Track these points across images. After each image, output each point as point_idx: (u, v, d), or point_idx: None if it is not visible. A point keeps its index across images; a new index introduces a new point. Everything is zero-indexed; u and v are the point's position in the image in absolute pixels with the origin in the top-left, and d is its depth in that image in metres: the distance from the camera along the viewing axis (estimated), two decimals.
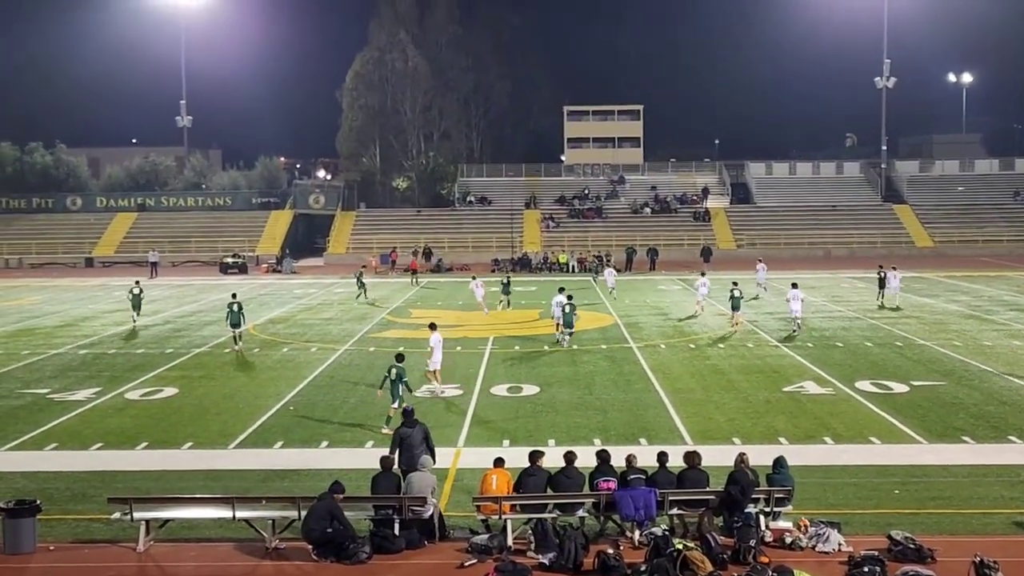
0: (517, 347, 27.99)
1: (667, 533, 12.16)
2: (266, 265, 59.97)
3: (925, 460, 15.84)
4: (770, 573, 11.11)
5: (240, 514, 12.53)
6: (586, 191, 73.37)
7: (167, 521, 12.73)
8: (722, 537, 12.07)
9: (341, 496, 12.30)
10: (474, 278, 40.79)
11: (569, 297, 28.79)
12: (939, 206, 70.11)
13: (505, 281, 39.06)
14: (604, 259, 51.99)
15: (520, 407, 20.05)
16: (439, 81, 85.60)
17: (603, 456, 13.21)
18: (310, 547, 12.04)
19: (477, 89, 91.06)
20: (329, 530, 11.93)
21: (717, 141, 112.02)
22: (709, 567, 11.25)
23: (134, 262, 62.41)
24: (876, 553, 11.53)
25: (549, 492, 12.66)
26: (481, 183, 77.21)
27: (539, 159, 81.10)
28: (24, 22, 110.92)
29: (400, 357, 18.90)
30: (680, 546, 11.53)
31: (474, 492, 13.41)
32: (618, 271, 48.96)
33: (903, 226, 67.09)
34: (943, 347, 26.69)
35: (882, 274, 37.63)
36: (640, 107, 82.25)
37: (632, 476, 12.68)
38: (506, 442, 17.31)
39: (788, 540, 12.22)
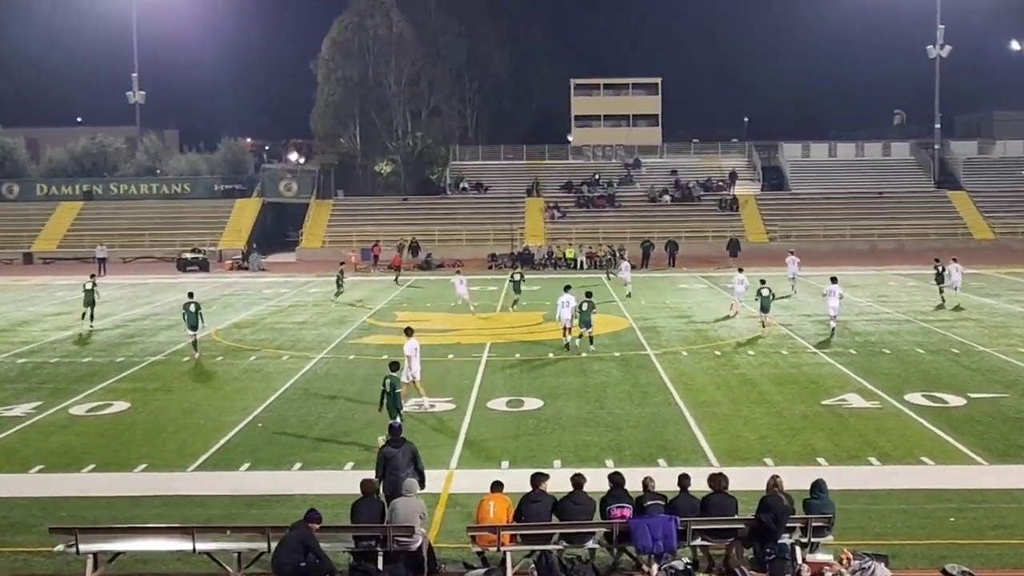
0: (518, 355, 28.02)
1: (689, 567, 12.16)
2: (230, 262, 60.03)
3: (985, 483, 15.87)
4: None
5: (201, 546, 12.54)
6: (596, 176, 73.46)
7: (118, 554, 12.73)
8: (753, 572, 12.08)
9: (317, 525, 12.29)
10: (458, 272, 40.83)
11: (588, 294, 29.01)
12: (1000, 192, 70.21)
13: (516, 278, 39.05)
14: (618, 253, 52.05)
15: (521, 423, 20.07)
16: (428, 50, 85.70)
17: (616, 479, 13.21)
18: None
19: (472, 59, 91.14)
20: (303, 564, 11.94)
21: (746, 119, 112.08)
22: None
23: (80, 258, 62.51)
24: None
25: (554, 520, 12.67)
26: (476, 167, 77.30)
27: (543, 140, 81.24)
28: None
29: (395, 366, 18.91)
30: None
31: (469, 520, 13.43)
32: (633, 267, 48.97)
33: (959, 215, 67.18)
34: (1005, 354, 26.72)
35: (939, 268, 37.61)
36: (658, 80, 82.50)
37: (649, 502, 12.68)
38: (505, 463, 17.35)
39: (828, 575, 12.23)
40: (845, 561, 12.36)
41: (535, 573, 12.22)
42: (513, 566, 12.37)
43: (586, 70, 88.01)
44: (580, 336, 28.48)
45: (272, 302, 41.77)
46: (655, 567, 12.30)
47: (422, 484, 13.74)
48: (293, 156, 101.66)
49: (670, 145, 79.71)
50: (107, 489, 16.25)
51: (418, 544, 12.50)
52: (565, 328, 28.76)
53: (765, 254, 58.18)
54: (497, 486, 13.12)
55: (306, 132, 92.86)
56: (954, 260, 38.54)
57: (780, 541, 12.32)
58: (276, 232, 74.01)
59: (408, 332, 22.02)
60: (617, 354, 27.81)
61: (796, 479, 14.09)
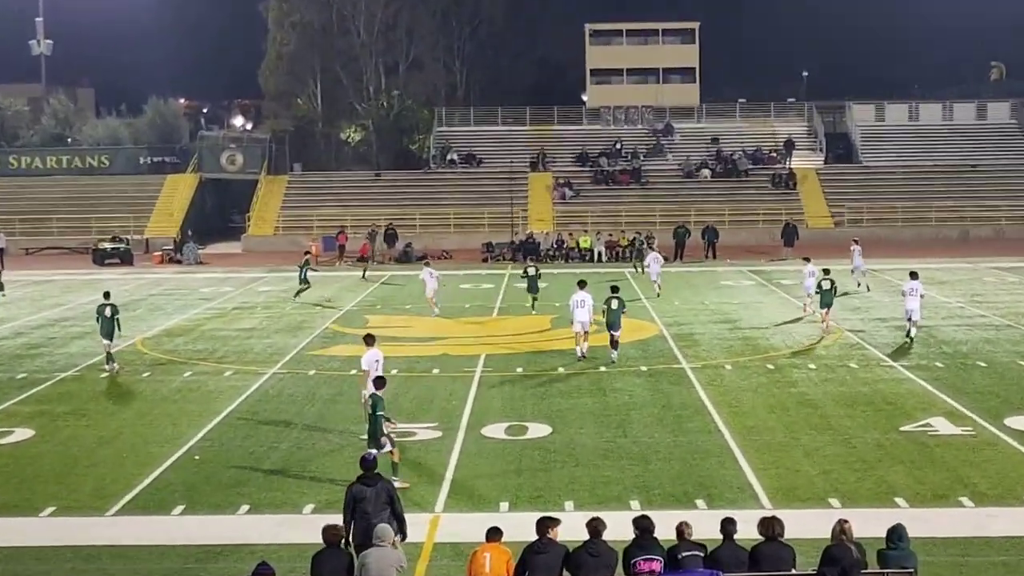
0: (519, 368, 28.04)
1: None
2: (160, 253, 60.04)
3: None
4: None
5: None
6: (618, 146, 73.47)
7: None
8: None
9: None
10: (427, 264, 40.91)
11: (615, 289, 29.17)
12: None
13: (531, 272, 39.10)
14: (646, 242, 52.03)
15: (524, 455, 20.08)
16: None
17: (643, 525, 13.19)
18: None
19: None
20: None
21: (806, 73, 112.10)
22: None
23: None
24: None
25: None
26: (467, 135, 77.29)
27: (550, 100, 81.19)
28: None
29: (379, 382, 18.88)
30: None
31: None
32: (665, 259, 48.94)
33: None
34: None
35: None
36: (695, 25, 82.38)
37: (685, 553, 12.67)
38: (504, 505, 17.36)
39: None
40: None
41: None
42: None
43: (605, 12, 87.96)
44: (614, 344, 28.51)
45: (212, 304, 41.77)
46: None
47: (401, 531, 13.73)
48: (238, 121, 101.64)
49: (710, 106, 79.63)
50: (5, 537, 16.24)
51: None
52: (579, 334, 28.82)
53: (830, 242, 58.09)
54: (494, 534, 13.09)
55: (254, 91, 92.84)
56: None
57: None
58: (217, 216, 73.94)
59: (368, 340, 22.03)
60: (644, 368, 27.78)
61: (869, 524, 14.10)
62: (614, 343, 28.49)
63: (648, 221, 62.68)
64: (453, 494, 17.94)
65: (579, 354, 28.83)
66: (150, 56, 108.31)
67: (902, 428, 21.45)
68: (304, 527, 16.02)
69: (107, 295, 29.24)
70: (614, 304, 28.47)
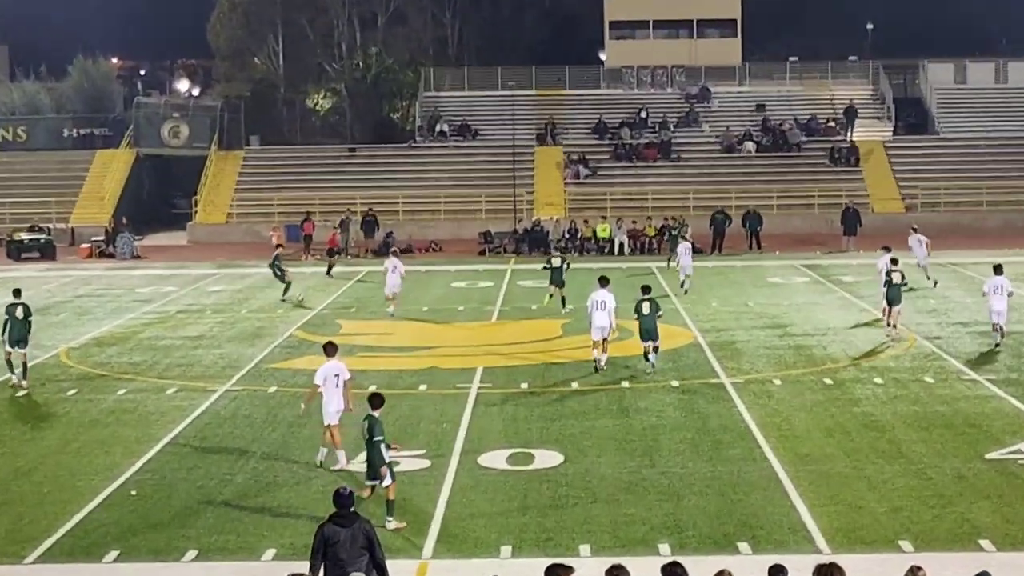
0: (524, 384, 28.06)
1: None
2: (88, 245, 60.12)
3: None
4: None
5: None
6: (643, 114, 73.47)
7: None
8: None
9: None
10: (394, 253, 41.17)
11: (646, 289, 29.26)
12: None
13: (555, 264, 39.00)
14: (679, 230, 51.76)
15: (530, 489, 20.08)
16: None
17: (675, 573, 13.19)
18: None
19: None
20: None
21: (870, 26, 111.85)
22: None
23: None
24: None
25: None
26: (460, 101, 77.33)
27: (561, 59, 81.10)
28: None
29: (374, 400, 18.84)
30: None
31: None
32: (698, 251, 48.89)
33: None
34: None
35: None
36: None
37: None
38: (506, 550, 17.36)
39: None
40: None
41: None
42: None
43: None
44: (647, 352, 28.77)
45: (152, 306, 41.81)
46: None
47: None
48: (182, 85, 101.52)
49: (755, 66, 79.56)
50: None
51: None
52: (598, 342, 28.87)
53: (900, 230, 57.98)
54: None
55: (202, 49, 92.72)
56: None
57: None
58: (157, 201, 73.90)
59: (328, 349, 22.06)
60: (675, 383, 27.79)
61: (948, 572, 14.16)
62: (654, 349, 28.73)
63: (680, 206, 62.66)
64: (444, 537, 17.92)
65: (595, 365, 28.92)
66: (76, 8, 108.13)
67: (988, 456, 21.43)
68: None
69: (17, 293, 29.20)
70: (646, 308, 28.56)
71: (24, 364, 28.19)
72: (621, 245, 56.96)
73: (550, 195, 66.50)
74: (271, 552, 17.38)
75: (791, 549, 16.73)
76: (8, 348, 28.06)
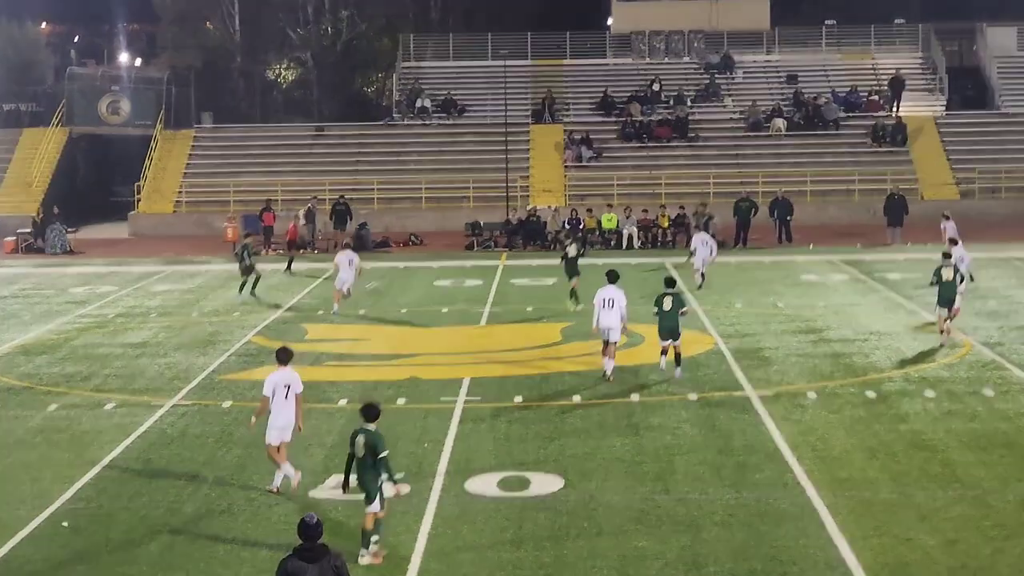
0: (519, 397, 28.04)
1: None
2: (13, 239, 60.07)
3: None
4: None
5: None
6: (655, 87, 73.47)
7: None
8: None
9: None
10: (347, 245, 41.56)
11: (670, 283, 29.60)
12: None
13: (571, 254, 39.56)
14: (703, 219, 51.93)
15: (525, 518, 20.04)
16: None
17: None
18: None
19: None
20: None
21: None
22: None
23: None
24: None
25: None
26: (444, 73, 77.39)
27: (561, 25, 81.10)
28: None
29: (370, 412, 18.78)
30: None
31: None
32: (721, 244, 48.92)
33: None
34: None
35: None
36: None
37: None
38: None
39: None
40: None
41: None
42: None
43: None
44: (666, 352, 29.07)
45: (88, 309, 41.78)
46: None
47: None
48: (124, 56, 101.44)
49: (785, 32, 79.59)
50: None
51: None
52: (607, 344, 28.95)
53: (956, 220, 58.08)
54: None
55: (146, 12, 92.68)
56: None
57: None
58: (94, 187, 73.78)
59: (281, 356, 22.07)
60: (693, 396, 27.77)
61: None
62: (675, 355, 29.00)
63: (698, 191, 62.76)
64: (427, 572, 17.89)
65: (604, 372, 29.00)
66: None
67: None
68: None
69: None
70: (667, 303, 28.73)
71: None
72: (630, 237, 56.95)
73: (548, 181, 66.56)
74: None
75: None
76: None
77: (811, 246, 54.64)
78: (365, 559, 17.93)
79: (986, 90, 74.89)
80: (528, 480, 21.95)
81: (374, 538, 18.13)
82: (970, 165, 66.51)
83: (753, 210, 56.64)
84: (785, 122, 70.29)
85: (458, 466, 22.85)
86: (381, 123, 73.36)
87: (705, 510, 20.21)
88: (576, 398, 27.83)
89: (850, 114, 71.22)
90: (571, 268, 39.23)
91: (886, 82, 72.97)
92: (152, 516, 20.52)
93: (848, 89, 72.98)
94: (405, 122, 72.68)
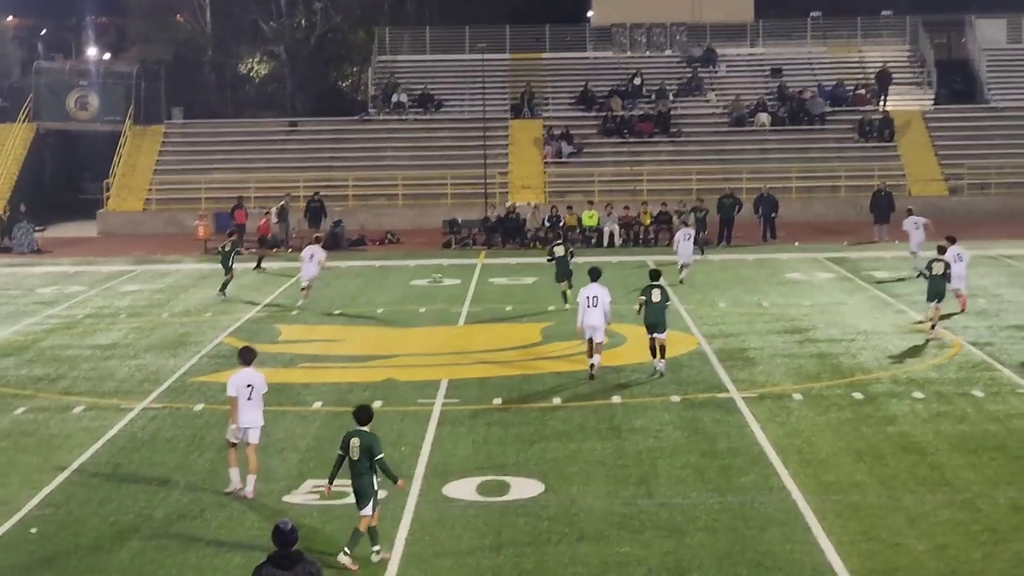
0: (498, 399, 28.06)
1: None
2: None
3: None
4: None
5: None
6: (637, 81, 73.50)
7: None
8: None
9: None
10: (317, 239, 41.92)
11: (655, 275, 29.90)
12: None
13: (559, 253, 39.71)
14: (694, 213, 52.19)
15: (504, 523, 20.03)
16: None
17: None
18: None
19: None
20: None
21: None
22: None
23: None
24: None
25: None
26: (421, 67, 77.38)
27: (539, 18, 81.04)
28: None
29: (363, 414, 18.77)
30: None
31: None
32: (705, 242, 49.03)
33: None
34: None
35: None
36: None
37: None
38: None
39: None
40: None
41: None
42: None
43: None
44: (655, 351, 29.29)
45: (56, 310, 41.72)
46: None
47: None
48: (92, 50, 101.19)
49: (769, 24, 79.64)
50: None
51: None
52: (591, 343, 29.05)
53: (941, 216, 58.24)
54: None
55: (115, 5, 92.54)
56: None
57: None
58: (62, 184, 73.63)
59: (244, 356, 22.08)
60: (676, 398, 27.81)
61: None
62: (660, 350, 29.16)
63: (680, 188, 62.84)
64: None
65: (590, 372, 29.12)
66: None
67: None
68: None
69: None
70: (655, 295, 28.92)
71: None
72: (611, 235, 56.95)
73: (527, 177, 66.57)
74: None
75: None
76: None
77: (796, 244, 54.75)
78: (345, 559, 17.89)
79: (975, 83, 75.03)
80: (508, 484, 21.96)
81: (375, 547, 18.20)
82: (959, 160, 66.67)
83: (737, 207, 56.69)
84: (770, 117, 70.40)
85: (436, 470, 22.85)
86: (356, 118, 73.24)
87: (689, 514, 20.23)
88: (557, 400, 27.87)
89: (836, 108, 71.33)
90: (562, 270, 39.21)
91: (873, 76, 73.10)
92: (122, 522, 20.49)
93: (834, 83, 73.12)
94: (381, 117, 72.62)
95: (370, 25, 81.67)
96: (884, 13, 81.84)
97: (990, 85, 73.69)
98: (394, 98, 73.24)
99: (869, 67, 74.70)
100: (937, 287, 32.63)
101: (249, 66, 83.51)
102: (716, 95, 73.26)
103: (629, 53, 77.29)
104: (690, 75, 74.37)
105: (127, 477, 22.92)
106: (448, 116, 72.50)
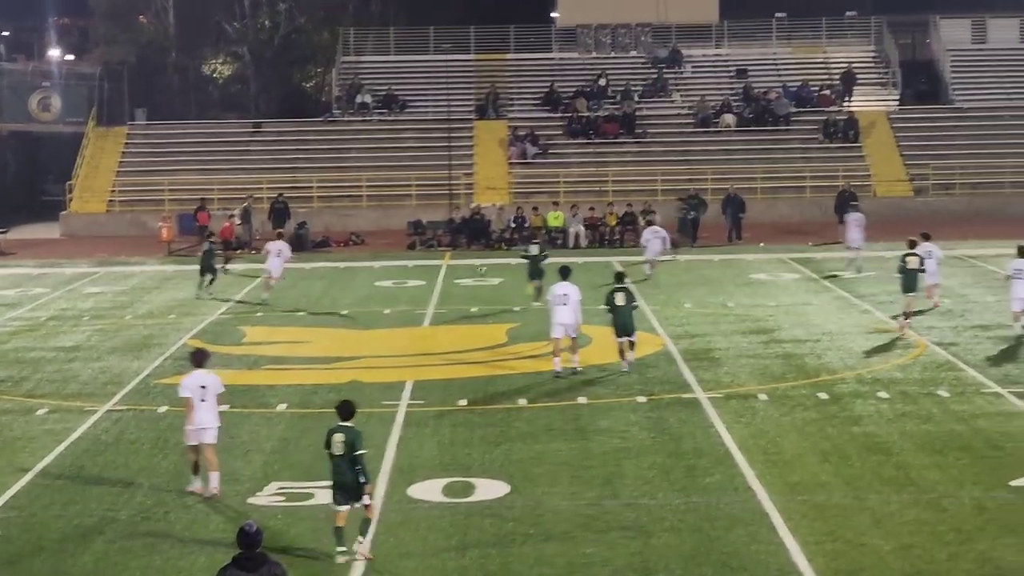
0: (463, 400, 28.04)
1: None
2: None
3: None
4: None
5: None
6: (602, 82, 73.52)
7: None
8: None
9: None
10: (279, 236, 42.26)
11: (620, 277, 30.22)
12: None
13: (533, 252, 39.96)
14: (699, 208, 52.43)
15: (470, 525, 20.03)
16: None
17: None
18: None
19: None
20: None
21: None
22: None
23: None
24: None
25: None
26: (385, 68, 77.16)
27: (505, 18, 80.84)
28: None
29: (345, 409, 18.76)
30: None
31: None
32: (673, 245, 49.12)
33: None
34: None
35: None
36: None
37: None
38: None
39: None
40: None
41: None
42: None
43: None
44: (623, 353, 29.52)
45: (18, 312, 41.56)
46: None
47: None
48: (54, 51, 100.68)
49: (734, 25, 79.61)
50: None
51: None
52: (559, 342, 29.18)
53: (907, 216, 58.53)
54: None
55: (77, 6, 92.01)
56: None
57: None
58: (24, 186, 73.31)
59: (196, 358, 22.10)
60: (642, 399, 27.81)
61: None
62: (629, 345, 29.42)
63: (646, 189, 62.83)
64: None
65: (557, 369, 29.20)
66: None
67: (1013, 483, 21.50)
68: None
69: None
70: (620, 299, 29.00)
71: None
72: (576, 236, 56.91)
73: (492, 178, 66.47)
74: None
75: None
76: None
77: (761, 244, 54.81)
78: (341, 559, 17.99)
79: (939, 84, 75.17)
80: (473, 485, 21.94)
81: (340, 548, 18.24)
82: (923, 161, 66.74)
83: (702, 208, 56.78)
84: (735, 117, 70.36)
85: (401, 471, 22.81)
86: (320, 119, 73.01)
87: (654, 515, 20.24)
88: (522, 401, 27.86)
89: (801, 109, 71.34)
90: (534, 269, 39.29)
91: (838, 76, 73.21)
92: (86, 524, 20.41)
93: (799, 83, 73.12)
94: (345, 118, 72.34)
95: (334, 25, 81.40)
96: (848, 14, 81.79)
97: (954, 85, 73.83)
98: (358, 99, 73.01)
99: (834, 68, 74.79)
100: (910, 281, 32.85)
101: (213, 67, 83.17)
102: (681, 96, 73.27)
103: (594, 54, 77.18)
104: (655, 76, 74.30)
105: (91, 479, 22.84)
106: (413, 117, 72.29)
